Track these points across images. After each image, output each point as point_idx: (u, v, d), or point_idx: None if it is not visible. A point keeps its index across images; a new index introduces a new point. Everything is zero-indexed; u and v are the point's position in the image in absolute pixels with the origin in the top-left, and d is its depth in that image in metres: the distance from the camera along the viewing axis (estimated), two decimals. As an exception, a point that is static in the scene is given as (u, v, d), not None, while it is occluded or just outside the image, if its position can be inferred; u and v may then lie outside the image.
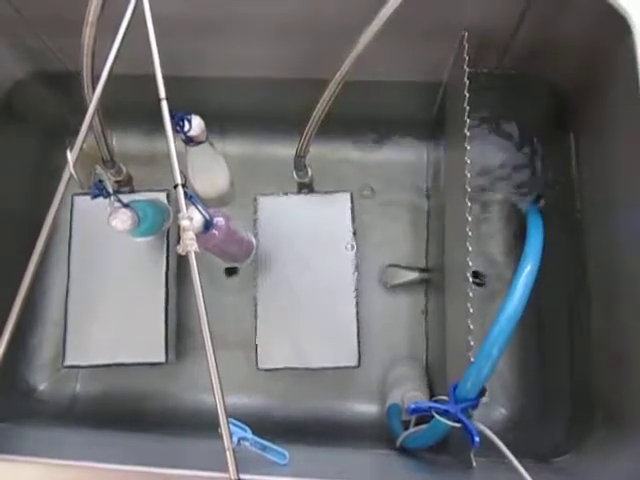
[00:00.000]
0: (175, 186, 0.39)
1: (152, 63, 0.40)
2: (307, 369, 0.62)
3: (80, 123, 0.42)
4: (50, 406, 0.69)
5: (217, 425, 0.35)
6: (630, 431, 0.47)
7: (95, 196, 0.50)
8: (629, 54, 0.46)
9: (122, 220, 0.53)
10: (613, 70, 0.51)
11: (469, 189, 0.50)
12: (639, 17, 0.46)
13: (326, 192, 0.66)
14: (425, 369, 0.68)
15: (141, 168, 0.70)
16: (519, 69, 0.61)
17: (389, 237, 0.73)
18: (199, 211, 0.46)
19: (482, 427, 0.42)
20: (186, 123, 0.50)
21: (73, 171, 0.41)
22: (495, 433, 0.42)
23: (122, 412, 0.69)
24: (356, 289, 0.63)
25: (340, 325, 0.62)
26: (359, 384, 0.68)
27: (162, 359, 0.63)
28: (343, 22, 0.50)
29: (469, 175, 0.50)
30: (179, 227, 0.39)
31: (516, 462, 0.40)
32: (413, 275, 0.70)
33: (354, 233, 0.65)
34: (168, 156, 0.40)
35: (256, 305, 0.63)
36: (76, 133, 0.42)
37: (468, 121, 0.51)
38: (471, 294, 0.47)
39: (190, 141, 0.53)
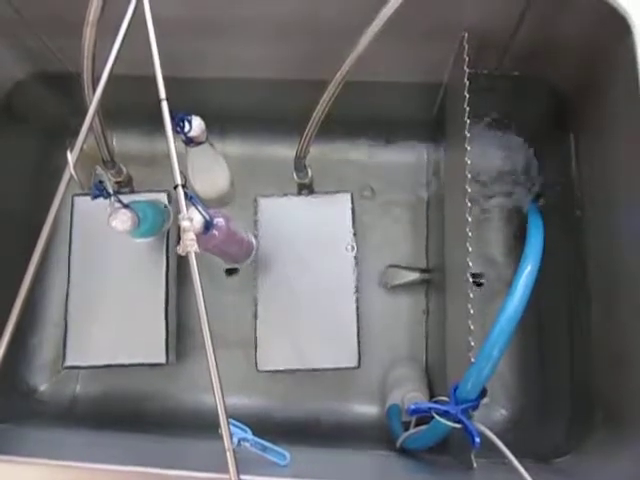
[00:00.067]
0: (175, 187, 0.39)
1: (152, 64, 0.40)
2: (307, 370, 0.62)
3: (80, 124, 0.42)
4: (50, 407, 0.69)
5: (217, 426, 0.35)
6: (630, 431, 0.47)
7: (95, 197, 0.50)
8: (629, 54, 0.46)
9: (122, 221, 0.53)
10: (613, 70, 0.51)
11: (469, 190, 0.50)
12: (639, 17, 0.46)
13: (326, 193, 0.66)
14: (425, 370, 0.68)
15: (141, 169, 0.70)
16: (519, 69, 0.61)
17: (389, 238, 0.73)
18: (199, 212, 0.46)
19: (482, 428, 0.42)
20: (186, 124, 0.50)
21: (73, 172, 0.41)
22: (495, 434, 0.42)
23: (122, 413, 0.69)
24: (356, 290, 0.63)
25: (340, 326, 0.62)
26: (359, 385, 0.68)
27: (162, 360, 0.63)
28: (343, 23, 0.50)
29: (469, 176, 0.50)
30: (179, 228, 0.39)
31: (516, 463, 0.40)
32: (413, 276, 0.70)
33: (354, 234, 0.65)
34: (168, 157, 0.40)
35: (256, 306, 0.63)
36: (76, 134, 0.42)
37: (468, 122, 0.51)
38: (471, 295, 0.47)
39: (190, 142, 0.53)
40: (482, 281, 0.69)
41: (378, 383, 0.68)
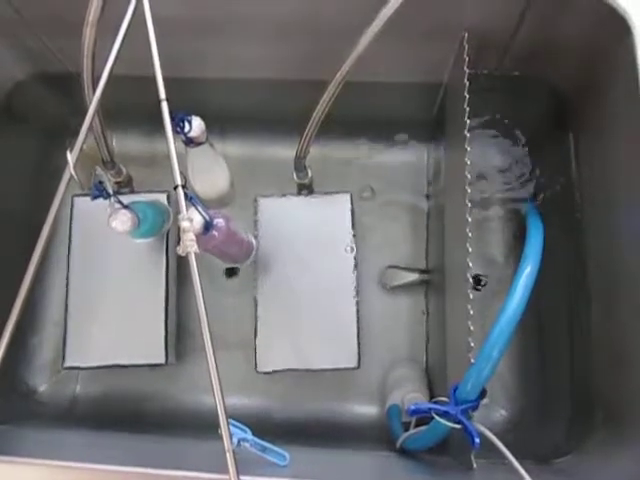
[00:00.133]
0: (175, 187, 0.39)
1: (152, 64, 0.40)
2: (307, 370, 0.62)
3: (80, 124, 0.42)
4: (50, 407, 0.69)
5: (217, 426, 0.35)
6: (631, 432, 0.47)
7: (95, 197, 0.50)
8: (629, 54, 0.46)
9: (122, 221, 0.53)
10: (613, 70, 0.51)
11: (469, 190, 0.50)
12: (639, 17, 0.46)
13: (326, 193, 0.66)
14: (425, 370, 0.68)
15: (141, 169, 0.70)
16: (519, 70, 0.61)
17: (389, 238, 0.73)
18: (199, 212, 0.46)
19: (482, 428, 0.42)
20: (186, 124, 0.50)
21: (73, 172, 0.41)
22: (495, 434, 0.42)
23: (122, 413, 0.69)
24: (356, 290, 0.63)
25: (340, 326, 0.62)
26: (359, 385, 0.68)
27: (162, 360, 0.63)
28: (343, 23, 0.50)
29: (469, 176, 0.50)
30: (179, 228, 0.39)
31: (516, 463, 0.40)
32: (413, 276, 0.70)
33: (354, 234, 0.65)
34: (168, 157, 0.40)
35: (256, 306, 0.63)
36: (76, 134, 0.42)
37: (468, 122, 0.51)
38: (471, 295, 0.47)
39: (190, 142, 0.53)
40: (482, 284, 0.69)
41: (378, 384, 0.68)
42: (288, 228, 0.65)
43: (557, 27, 0.53)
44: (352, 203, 0.66)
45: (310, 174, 0.62)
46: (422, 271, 0.70)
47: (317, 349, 0.62)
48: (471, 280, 0.48)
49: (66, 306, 0.64)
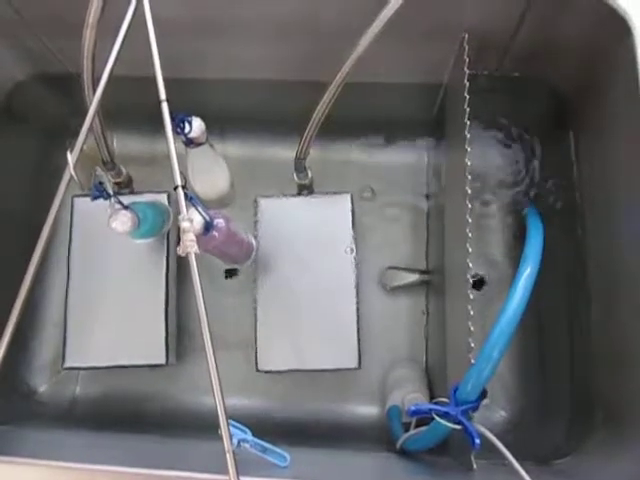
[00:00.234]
0: (175, 188, 0.39)
1: (152, 65, 0.40)
2: (307, 371, 0.62)
3: (80, 125, 0.42)
4: (50, 408, 0.69)
5: (217, 427, 0.34)
6: (631, 432, 0.47)
7: (95, 198, 0.50)
8: (629, 54, 0.46)
9: (122, 222, 0.53)
10: (613, 71, 0.51)
11: (469, 191, 0.50)
12: (639, 18, 0.46)
13: (326, 194, 0.66)
14: (425, 371, 0.68)
15: (141, 170, 0.70)
16: (519, 70, 0.61)
17: (389, 239, 0.73)
18: (199, 213, 0.46)
19: (482, 429, 0.42)
20: (186, 125, 0.50)
21: (73, 172, 0.41)
22: (495, 435, 0.42)
23: (122, 414, 0.69)
24: (356, 291, 0.63)
25: (340, 327, 0.62)
26: (359, 386, 0.68)
27: (162, 361, 0.63)
28: (343, 24, 0.50)
29: (469, 177, 0.50)
30: (179, 228, 0.39)
31: (517, 464, 0.40)
32: (413, 277, 0.70)
33: (354, 235, 0.65)
34: (168, 158, 0.40)
35: (256, 307, 0.63)
36: (76, 134, 0.42)
37: (468, 123, 0.51)
38: (471, 296, 0.47)
39: (190, 143, 0.53)
40: (482, 285, 0.69)
41: (378, 384, 0.68)
42: (288, 228, 0.65)
43: (557, 28, 0.53)
44: (352, 203, 0.66)
45: (310, 175, 0.62)
46: (422, 272, 0.70)
47: (317, 349, 0.62)
48: (471, 280, 0.48)
49: (66, 306, 0.64)
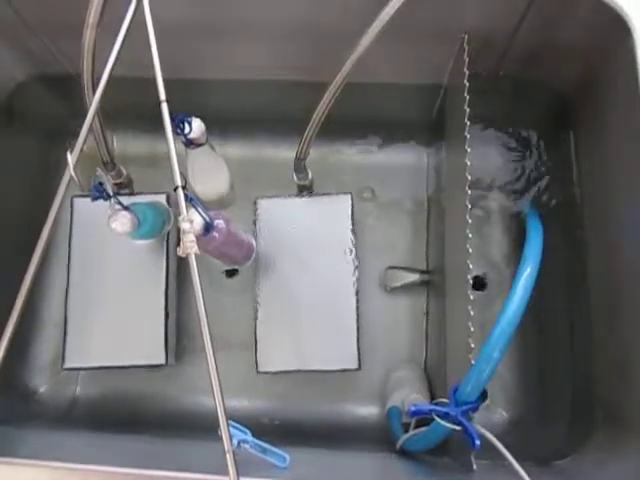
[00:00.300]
0: (175, 188, 0.39)
1: (152, 65, 0.40)
2: (307, 371, 0.62)
3: (80, 125, 0.42)
4: (50, 408, 0.69)
5: (217, 427, 0.34)
6: (631, 433, 0.47)
7: (95, 198, 0.50)
8: (629, 55, 0.46)
9: (122, 223, 0.53)
10: (613, 71, 0.51)
11: (469, 191, 0.50)
12: (639, 19, 0.46)
13: (326, 194, 0.66)
14: (425, 371, 0.68)
15: (141, 170, 0.70)
16: (519, 71, 0.61)
17: (389, 239, 0.73)
18: (199, 213, 0.46)
19: (483, 430, 0.42)
20: (186, 125, 0.50)
21: (73, 173, 0.41)
22: (495, 435, 0.42)
23: (122, 414, 0.69)
24: (356, 291, 0.63)
25: (340, 327, 0.62)
26: (359, 386, 0.68)
27: (162, 361, 0.63)
28: (343, 24, 0.50)
29: (469, 177, 0.50)
30: (179, 229, 0.39)
31: (517, 465, 0.40)
32: (413, 277, 0.70)
33: (354, 235, 0.65)
34: (168, 158, 0.40)
35: (256, 307, 0.63)
36: (76, 135, 0.42)
37: (468, 123, 0.51)
38: (472, 296, 0.47)
39: (190, 143, 0.53)
40: (482, 286, 0.69)
41: (378, 385, 0.68)
42: (288, 229, 0.65)
43: (557, 28, 0.53)
44: (352, 204, 0.66)
45: (310, 175, 0.62)
46: (422, 272, 0.70)
47: (317, 350, 0.62)
48: (471, 281, 0.48)
49: (66, 307, 0.64)
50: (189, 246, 0.38)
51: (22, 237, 0.51)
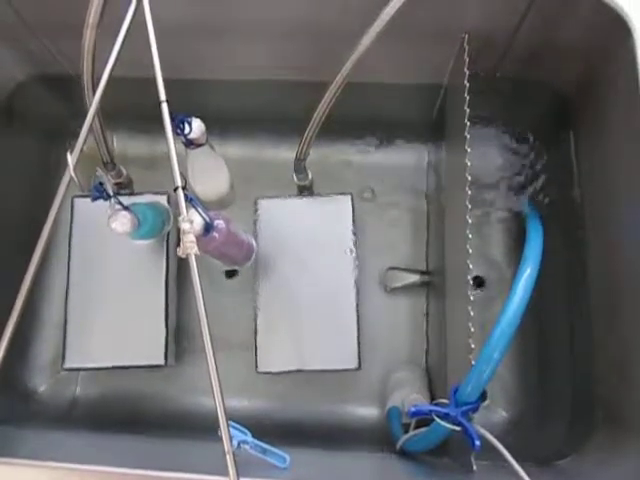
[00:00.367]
0: (175, 189, 0.39)
1: (152, 65, 0.40)
2: (307, 371, 0.62)
3: (80, 125, 0.42)
4: (50, 408, 0.69)
5: (217, 428, 0.34)
6: (631, 433, 0.47)
7: (95, 198, 0.50)
8: (629, 55, 0.46)
9: (122, 223, 0.53)
10: (613, 71, 0.51)
11: (470, 191, 0.50)
12: (639, 19, 0.46)
13: (326, 195, 0.66)
14: (425, 372, 0.68)
15: (141, 171, 0.70)
16: (520, 71, 0.61)
17: (389, 240, 0.73)
18: (199, 214, 0.46)
19: (483, 431, 0.42)
20: (186, 126, 0.50)
21: (73, 174, 0.41)
22: (495, 436, 0.42)
23: (122, 415, 0.69)
24: (356, 291, 0.63)
25: (340, 327, 0.62)
26: (359, 387, 0.68)
27: (162, 362, 0.63)
28: (344, 24, 0.50)
29: (469, 177, 0.50)
30: (179, 229, 0.39)
31: (517, 465, 0.40)
32: (413, 278, 0.69)
33: (354, 236, 0.65)
34: (168, 159, 0.40)
35: (256, 308, 0.63)
36: (76, 135, 0.42)
37: (468, 123, 0.51)
38: (472, 297, 0.47)
39: (190, 144, 0.53)
40: (482, 286, 0.69)
41: (378, 385, 0.68)
42: (288, 230, 0.65)
43: (558, 28, 0.53)
44: (352, 204, 0.66)
45: (310, 176, 0.62)
46: (422, 272, 0.70)
47: (317, 350, 0.62)
48: (471, 281, 0.48)
49: (66, 307, 0.64)
50: (189, 246, 0.38)
51: (22, 237, 0.51)
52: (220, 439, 0.34)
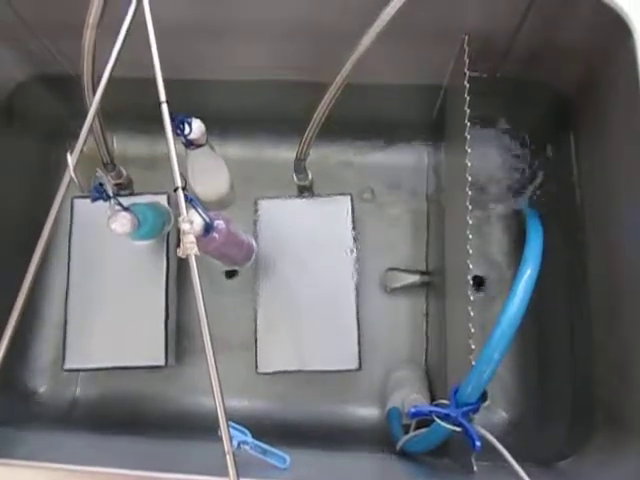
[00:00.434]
0: (175, 189, 0.39)
1: (152, 66, 0.40)
2: (308, 372, 0.62)
3: (80, 126, 0.42)
4: (50, 409, 0.69)
5: (217, 428, 0.34)
6: (631, 435, 0.47)
7: (95, 199, 0.49)
8: (629, 56, 0.46)
9: (122, 223, 0.53)
10: (614, 72, 0.51)
11: (470, 192, 0.50)
12: (640, 20, 0.46)
13: (326, 195, 0.66)
14: (426, 372, 0.68)
15: (141, 171, 0.70)
16: (520, 71, 0.61)
17: (389, 240, 0.73)
18: (199, 214, 0.46)
19: (483, 431, 0.42)
20: (186, 126, 0.50)
21: (73, 174, 0.41)
22: (496, 436, 0.42)
23: (122, 415, 0.69)
24: (356, 292, 0.63)
25: (340, 328, 0.62)
26: (359, 387, 0.68)
27: (162, 362, 0.63)
28: (344, 24, 0.50)
29: (470, 178, 0.50)
30: (179, 230, 0.39)
31: (517, 466, 0.40)
32: (413, 278, 0.69)
33: (354, 236, 0.65)
34: (168, 159, 0.40)
35: (256, 308, 0.63)
36: (77, 136, 0.42)
37: (468, 124, 0.51)
38: (472, 297, 0.47)
39: (190, 144, 0.53)
40: (482, 286, 0.69)
41: (378, 385, 0.68)
42: (288, 230, 0.65)
43: (558, 29, 0.53)
44: (352, 205, 0.66)
45: (310, 176, 0.62)
46: (422, 273, 0.70)
47: (318, 351, 0.62)
48: (471, 282, 0.48)
49: (66, 308, 0.64)
50: (189, 247, 0.38)
51: (22, 237, 0.51)
52: (220, 439, 0.34)
